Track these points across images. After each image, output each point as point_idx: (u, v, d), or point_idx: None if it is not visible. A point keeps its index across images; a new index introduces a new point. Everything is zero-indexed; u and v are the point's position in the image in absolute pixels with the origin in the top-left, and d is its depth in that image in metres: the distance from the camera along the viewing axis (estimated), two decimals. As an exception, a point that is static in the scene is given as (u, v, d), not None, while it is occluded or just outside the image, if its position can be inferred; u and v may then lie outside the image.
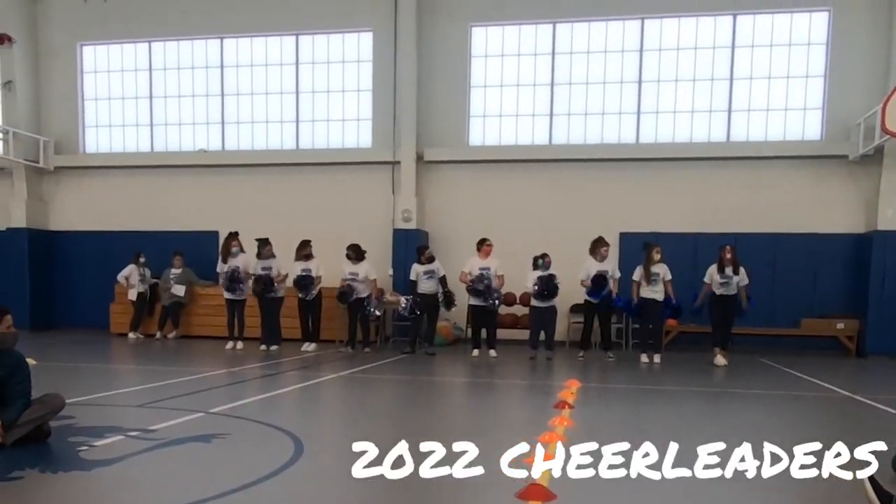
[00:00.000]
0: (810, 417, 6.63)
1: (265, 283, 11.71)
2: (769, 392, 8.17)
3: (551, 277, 10.96)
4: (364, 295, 11.86)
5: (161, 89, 15.73)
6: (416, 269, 11.69)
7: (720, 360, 10.76)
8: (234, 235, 12.06)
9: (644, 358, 10.97)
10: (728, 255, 10.73)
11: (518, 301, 13.06)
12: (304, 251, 11.90)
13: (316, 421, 6.25)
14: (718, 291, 10.80)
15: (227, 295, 11.98)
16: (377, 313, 12.16)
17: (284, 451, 4.56)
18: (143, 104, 15.85)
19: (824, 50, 13.33)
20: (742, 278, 10.74)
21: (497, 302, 11.38)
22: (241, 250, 11.95)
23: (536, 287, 10.94)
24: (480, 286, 11.09)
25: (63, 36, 15.78)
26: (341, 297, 11.85)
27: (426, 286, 11.62)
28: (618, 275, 11.19)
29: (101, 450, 4.58)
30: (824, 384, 8.76)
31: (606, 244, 11.18)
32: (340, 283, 11.89)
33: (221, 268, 11.97)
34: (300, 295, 11.89)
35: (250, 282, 11.88)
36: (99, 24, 15.55)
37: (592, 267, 11.02)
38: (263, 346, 11.82)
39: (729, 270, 10.69)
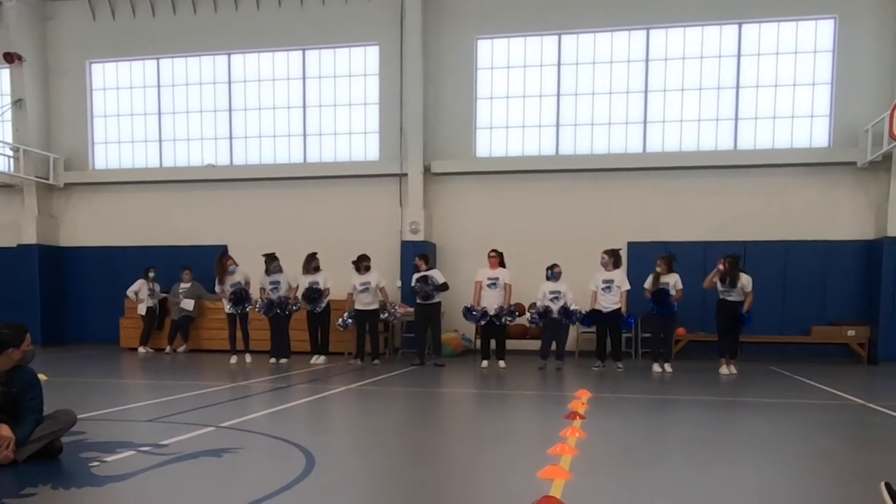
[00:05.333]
0: (824, 427, 6.56)
1: (281, 304, 11.84)
2: (781, 401, 8.11)
3: (575, 313, 11.09)
4: (375, 306, 11.86)
5: (169, 105, 15.85)
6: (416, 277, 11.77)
7: (725, 369, 10.76)
8: (226, 253, 12.08)
9: (656, 367, 10.99)
10: (722, 267, 10.69)
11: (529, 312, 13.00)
12: (311, 264, 11.95)
13: (327, 434, 6.24)
14: (721, 297, 10.81)
15: (228, 309, 11.97)
16: (398, 313, 12.17)
17: (296, 466, 4.55)
18: (152, 120, 15.98)
19: (831, 57, 13.31)
20: (745, 285, 10.70)
21: (511, 318, 11.49)
22: (236, 264, 11.99)
23: (542, 310, 11.13)
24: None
25: (72, 54, 15.94)
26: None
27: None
28: (626, 286, 11.15)
29: (113, 465, 4.58)
30: (837, 392, 8.69)
31: (606, 254, 11.19)
32: (347, 296, 11.94)
33: (220, 288, 11.98)
34: (309, 308, 11.92)
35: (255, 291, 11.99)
36: (108, 41, 15.71)
37: (598, 276, 11.09)
38: (273, 359, 11.86)
39: (727, 283, 10.68)
